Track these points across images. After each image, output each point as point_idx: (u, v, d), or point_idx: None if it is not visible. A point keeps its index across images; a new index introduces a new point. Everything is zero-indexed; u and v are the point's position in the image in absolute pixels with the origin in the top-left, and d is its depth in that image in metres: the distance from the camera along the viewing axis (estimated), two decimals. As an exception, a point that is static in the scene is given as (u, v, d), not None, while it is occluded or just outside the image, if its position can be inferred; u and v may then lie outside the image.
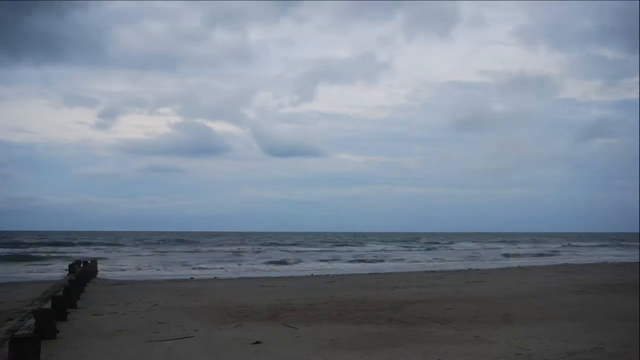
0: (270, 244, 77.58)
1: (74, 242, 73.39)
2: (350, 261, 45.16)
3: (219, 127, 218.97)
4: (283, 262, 42.17)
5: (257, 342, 9.89)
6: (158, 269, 34.55)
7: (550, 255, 55.53)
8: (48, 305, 11.40)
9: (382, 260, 45.99)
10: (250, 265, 39.01)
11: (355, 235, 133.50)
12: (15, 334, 7.66)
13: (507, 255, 52.99)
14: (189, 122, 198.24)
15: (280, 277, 28.42)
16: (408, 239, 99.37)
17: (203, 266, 36.88)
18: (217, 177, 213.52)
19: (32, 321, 9.29)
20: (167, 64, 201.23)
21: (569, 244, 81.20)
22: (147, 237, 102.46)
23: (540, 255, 54.98)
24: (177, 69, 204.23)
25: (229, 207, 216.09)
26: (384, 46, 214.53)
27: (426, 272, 31.26)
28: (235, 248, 63.32)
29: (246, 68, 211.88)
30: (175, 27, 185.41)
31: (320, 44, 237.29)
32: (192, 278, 27.12)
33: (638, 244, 69.37)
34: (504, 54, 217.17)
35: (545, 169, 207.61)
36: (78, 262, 25.36)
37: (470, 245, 78.96)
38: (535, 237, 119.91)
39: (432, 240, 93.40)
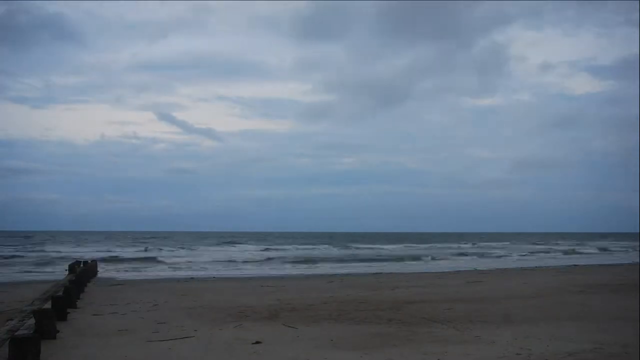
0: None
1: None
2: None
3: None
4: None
5: (257, 342, 9.89)
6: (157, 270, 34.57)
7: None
8: (48, 305, 11.41)
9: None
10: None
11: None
12: (15, 334, 7.67)
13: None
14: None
15: (280, 277, 28.41)
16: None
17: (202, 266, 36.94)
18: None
19: (32, 321, 9.30)
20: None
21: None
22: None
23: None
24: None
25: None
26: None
27: (426, 272, 31.28)
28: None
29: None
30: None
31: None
32: (192, 278, 27.12)
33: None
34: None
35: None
36: (78, 262, 25.33)
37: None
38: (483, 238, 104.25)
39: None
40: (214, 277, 28.01)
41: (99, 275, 28.14)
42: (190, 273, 30.93)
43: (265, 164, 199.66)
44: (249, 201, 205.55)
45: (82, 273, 21.17)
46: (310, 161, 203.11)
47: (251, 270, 34.62)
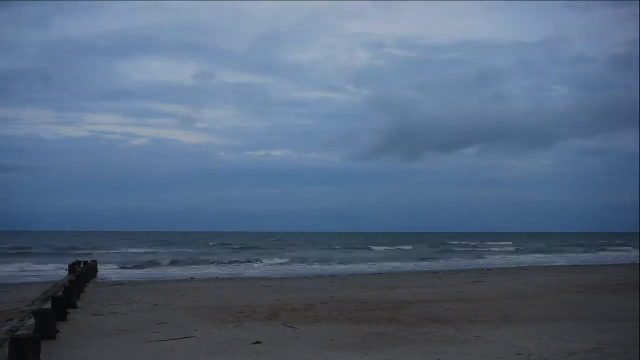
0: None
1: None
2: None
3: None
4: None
5: (257, 342, 9.89)
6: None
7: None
8: (48, 305, 11.40)
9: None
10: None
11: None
12: (15, 334, 7.66)
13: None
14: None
15: (280, 277, 28.43)
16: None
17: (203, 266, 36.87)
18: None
19: (32, 321, 9.29)
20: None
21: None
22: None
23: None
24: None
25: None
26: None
27: (426, 272, 31.28)
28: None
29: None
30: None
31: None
32: (192, 278, 27.13)
33: None
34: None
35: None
36: (78, 262, 25.34)
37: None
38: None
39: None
40: (215, 277, 28.01)
41: (99, 275, 28.15)
42: (190, 273, 30.93)
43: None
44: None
45: (82, 273, 21.16)
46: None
47: (251, 270, 34.64)
